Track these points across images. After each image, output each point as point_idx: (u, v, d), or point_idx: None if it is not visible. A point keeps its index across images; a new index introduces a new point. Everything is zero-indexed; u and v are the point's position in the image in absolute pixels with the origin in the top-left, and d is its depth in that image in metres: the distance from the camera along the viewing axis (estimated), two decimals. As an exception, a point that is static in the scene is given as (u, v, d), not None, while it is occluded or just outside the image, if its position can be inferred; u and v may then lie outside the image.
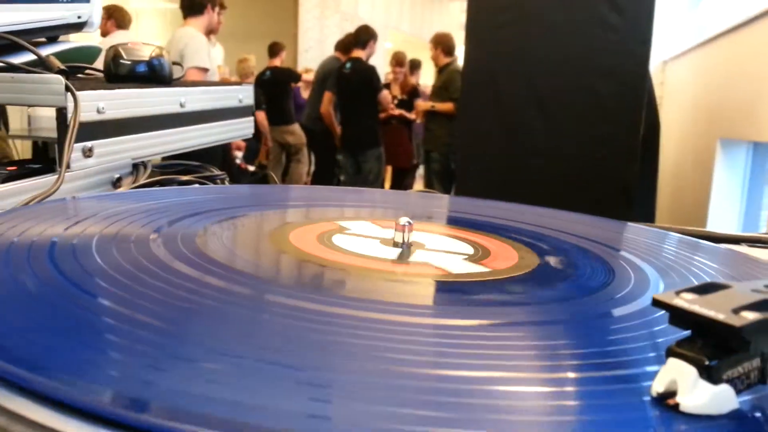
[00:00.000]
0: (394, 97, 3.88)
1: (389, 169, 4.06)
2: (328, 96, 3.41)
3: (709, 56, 2.86)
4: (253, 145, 3.87)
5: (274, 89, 3.78)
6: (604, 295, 0.29)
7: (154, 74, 0.70)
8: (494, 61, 2.26)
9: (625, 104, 2.11)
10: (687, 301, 0.17)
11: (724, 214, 2.58)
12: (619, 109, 2.11)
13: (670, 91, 3.57)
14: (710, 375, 0.16)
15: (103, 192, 0.59)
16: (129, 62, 0.69)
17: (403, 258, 0.32)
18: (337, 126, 3.45)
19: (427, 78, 4.87)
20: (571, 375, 0.20)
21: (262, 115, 3.67)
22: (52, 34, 0.81)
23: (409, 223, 0.33)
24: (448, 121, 3.15)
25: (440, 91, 3.31)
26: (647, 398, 0.17)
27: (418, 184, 4.14)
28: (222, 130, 0.83)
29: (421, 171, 4.01)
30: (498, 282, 0.30)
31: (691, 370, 0.16)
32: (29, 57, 0.68)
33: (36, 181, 0.53)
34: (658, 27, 2.05)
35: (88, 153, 0.58)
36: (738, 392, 0.16)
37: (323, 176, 3.74)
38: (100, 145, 0.60)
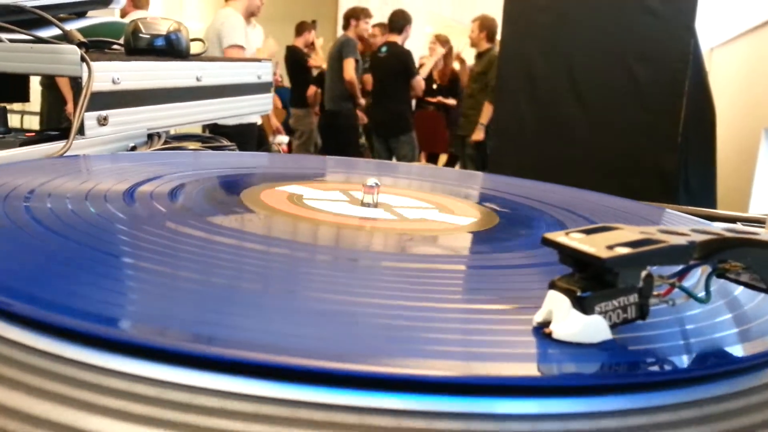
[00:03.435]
0: (433, 83, 3.85)
1: (423, 155, 4.05)
2: (351, 63, 3.20)
3: (756, 44, 2.78)
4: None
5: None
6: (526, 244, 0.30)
7: (171, 48, 0.72)
8: (531, 45, 2.23)
9: (666, 92, 2.06)
10: (570, 239, 0.18)
11: (766, 203, 2.52)
12: (659, 96, 2.06)
13: (716, 79, 3.47)
14: (582, 305, 0.17)
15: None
16: (147, 36, 0.71)
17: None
18: (360, 99, 3.32)
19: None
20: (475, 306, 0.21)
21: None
22: (79, 9, 0.84)
23: (377, 184, 0.34)
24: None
25: (480, 76, 3.28)
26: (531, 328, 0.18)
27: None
28: (240, 105, 0.85)
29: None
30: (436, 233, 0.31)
31: (564, 301, 0.17)
32: (55, 31, 0.71)
33: (50, 146, 0.56)
34: (705, 14, 1.97)
35: (102, 121, 0.61)
36: (614, 325, 0.17)
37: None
38: (115, 115, 0.62)
